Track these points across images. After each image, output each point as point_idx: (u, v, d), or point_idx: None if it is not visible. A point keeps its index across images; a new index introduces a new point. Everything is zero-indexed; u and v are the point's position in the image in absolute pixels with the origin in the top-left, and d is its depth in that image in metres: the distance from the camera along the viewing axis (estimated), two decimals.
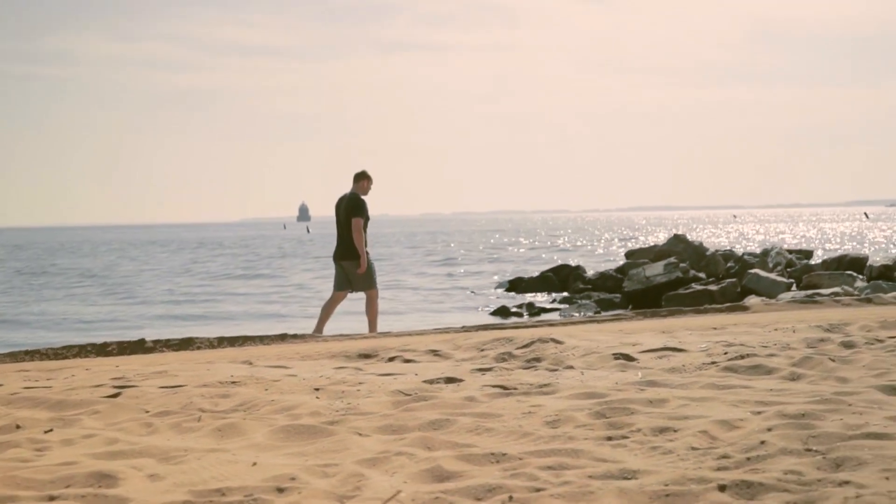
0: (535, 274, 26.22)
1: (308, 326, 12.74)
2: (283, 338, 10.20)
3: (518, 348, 7.60)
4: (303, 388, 5.82)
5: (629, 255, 24.73)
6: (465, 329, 9.50)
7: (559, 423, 4.62)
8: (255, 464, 3.92)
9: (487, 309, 20.51)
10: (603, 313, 14.60)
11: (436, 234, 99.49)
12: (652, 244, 28.38)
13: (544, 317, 18.58)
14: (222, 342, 10.00)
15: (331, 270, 12.31)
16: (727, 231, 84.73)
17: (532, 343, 7.67)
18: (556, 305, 20.49)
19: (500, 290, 25.45)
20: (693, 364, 6.53)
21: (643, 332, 8.60)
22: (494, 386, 5.73)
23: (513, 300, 21.95)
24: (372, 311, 11.23)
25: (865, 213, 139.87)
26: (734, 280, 19.36)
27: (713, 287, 18.88)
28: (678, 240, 22.17)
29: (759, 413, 4.63)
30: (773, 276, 19.05)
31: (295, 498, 3.45)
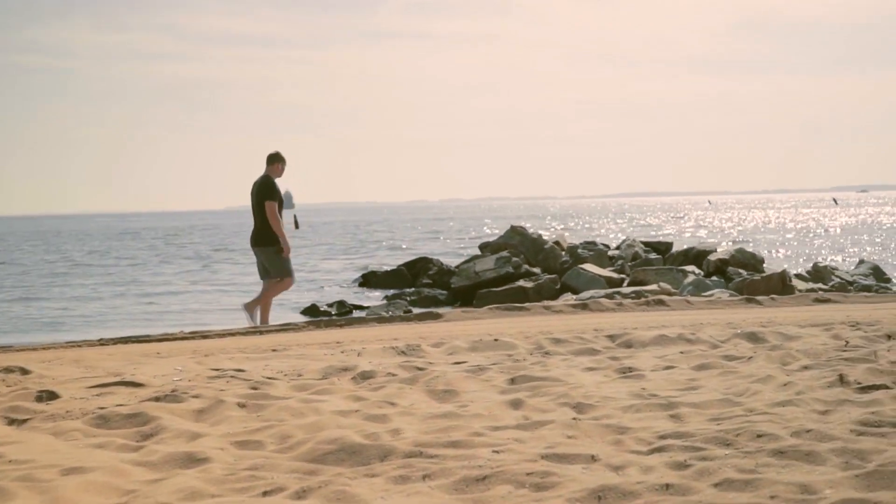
0: (392, 266, 24.86)
1: None
2: None
3: None
4: None
5: (482, 247, 23.33)
6: None
7: None
8: None
9: (320, 304, 18.86)
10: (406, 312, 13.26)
11: (394, 221, 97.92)
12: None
13: (357, 313, 17.28)
14: None
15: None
16: (683, 219, 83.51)
17: None
18: (373, 303, 19.03)
19: (354, 285, 24.11)
20: (86, 409, 5.14)
21: (183, 354, 7.20)
22: None
23: (361, 297, 20.74)
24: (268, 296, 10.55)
25: (834, 199, 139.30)
26: (554, 276, 17.99)
27: (528, 284, 17.49)
28: (515, 232, 20.69)
29: None
30: (595, 271, 17.66)
31: None
